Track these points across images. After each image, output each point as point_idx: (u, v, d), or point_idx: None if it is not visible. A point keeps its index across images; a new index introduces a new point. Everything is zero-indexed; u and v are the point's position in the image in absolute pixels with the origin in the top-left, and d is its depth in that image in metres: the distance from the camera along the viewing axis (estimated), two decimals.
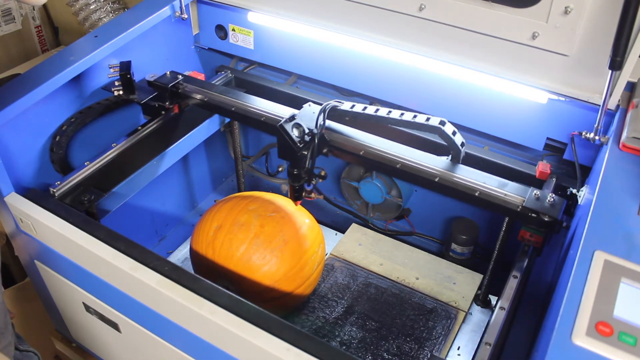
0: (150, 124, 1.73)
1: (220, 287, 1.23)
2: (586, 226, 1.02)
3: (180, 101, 1.74)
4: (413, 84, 1.65)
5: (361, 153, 1.46)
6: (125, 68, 1.64)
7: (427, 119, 1.37)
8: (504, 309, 1.26)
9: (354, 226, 2.13)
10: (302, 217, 1.73)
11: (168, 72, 1.72)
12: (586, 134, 1.38)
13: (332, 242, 2.07)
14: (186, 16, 1.87)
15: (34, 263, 1.62)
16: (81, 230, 1.36)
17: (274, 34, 1.83)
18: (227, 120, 2.08)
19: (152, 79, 1.69)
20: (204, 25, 1.96)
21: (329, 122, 1.49)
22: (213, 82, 1.91)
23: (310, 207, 1.83)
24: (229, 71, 1.97)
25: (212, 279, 1.61)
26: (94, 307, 1.54)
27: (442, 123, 1.36)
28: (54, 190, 1.49)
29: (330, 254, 2.00)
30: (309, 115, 1.47)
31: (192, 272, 1.65)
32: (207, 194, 2.40)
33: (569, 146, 1.48)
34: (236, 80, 1.96)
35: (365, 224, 2.17)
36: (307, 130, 1.41)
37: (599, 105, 1.33)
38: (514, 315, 1.30)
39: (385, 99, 1.76)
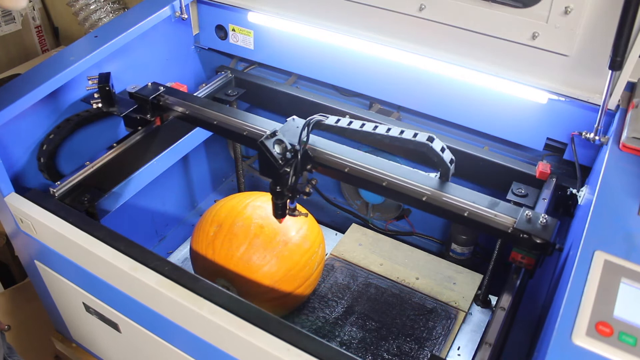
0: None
1: (220, 287, 1.23)
2: (586, 226, 1.02)
3: (162, 113, 1.67)
4: (413, 84, 1.65)
5: (346, 170, 1.40)
6: (103, 80, 1.57)
7: (415, 135, 1.30)
8: (504, 309, 1.26)
9: (354, 226, 2.13)
10: (302, 218, 1.73)
11: (149, 84, 1.66)
12: (586, 134, 1.38)
13: (332, 242, 2.07)
14: (186, 16, 1.88)
15: (34, 263, 1.62)
16: (81, 230, 1.36)
17: (274, 34, 1.83)
18: None
19: (133, 91, 1.62)
20: (204, 25, 1.96)
21: (313, 137, 1.42)
22: (213, 82, 1.91)
23: (310, 207, 1.83)
24: (229, 71, 1.97)
25: (212, 279, 1.61)
26: (94, 307, 1.54)
27: (430, 139, 1.28)
28: (54, 190, 1.48)
29: (330, 254, 2.00)
30: (293, 130, 1.40)
31: (192, 272, 1.66)
32: (207, 194, 2.40)
33: (569, 146, 1.48)
34: (236, 81, 1.96)
35: (365, 224, 2.17)
36: (289, 147, 1.34)
37: (599, 105, 1.33)
38: (514, 315, 1.30)
39: (385, 99, 1.76)
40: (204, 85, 1.90)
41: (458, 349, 1.72)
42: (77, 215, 1.42)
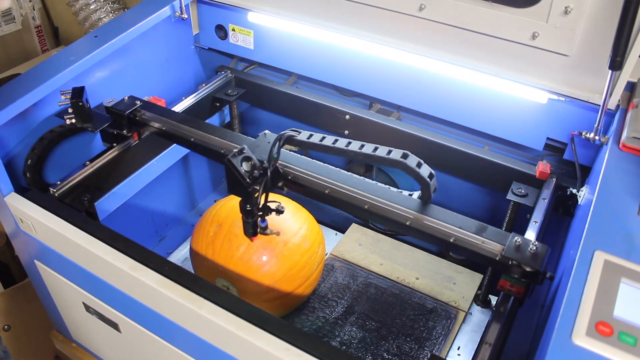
0: None
1: (220, 287, 1.23)
2: (586, 226, 1.02)
3: (139, 129, 1.63)
4: (413, 83, 1.65)
5: (325, 191, 1.36)
6: (77, 95, 1.51)
7: (389, 152, 1.24)
8: (504, 309, 1.25)
9: (354, 226, 2.13)
10: (302, 218, 1.73)
11: (126, 98, 1.61)
12: (586, 134, 1.38)
13: (332, 242, 2.07)
14: (186, 16, 1.88)
15: (34, 263, 1.62)
16: (81, 230, 1.36)
17: (274, 34, 1.83)
18: (228, 119, 2.08)
19: (109, 105, 1.58)
20: (204, 25, 1.96)
21: (289, 154, 1.39)
22: (213, 82, 1.91)
23: (310, 207, 1.83)
24: (229, 71, 1.97)
25: (212, 279, 1.61)
26: (94, 307, 1.54)
27: (405, 156, 1.23)
28: (54, 190, 1.48)
29: (330, 254, 2.00)
30: (263, 146, 1.35)
31: (192, 272, 1.66)
32: (207, 194, 2.40)
33: (569, 146, 1.48)
34: (236, 80, 1.97)
35: (365, 223, 2.17)
36: (258, 164, 1.29)
37: (599, 105, 1.33)
38: (514, 315, 1.30)
39: (385, 99, 1.76)
40: (203, 85, 1.90)
41: (458, 348, 1.72)
42: (77, 215, 1.42)
